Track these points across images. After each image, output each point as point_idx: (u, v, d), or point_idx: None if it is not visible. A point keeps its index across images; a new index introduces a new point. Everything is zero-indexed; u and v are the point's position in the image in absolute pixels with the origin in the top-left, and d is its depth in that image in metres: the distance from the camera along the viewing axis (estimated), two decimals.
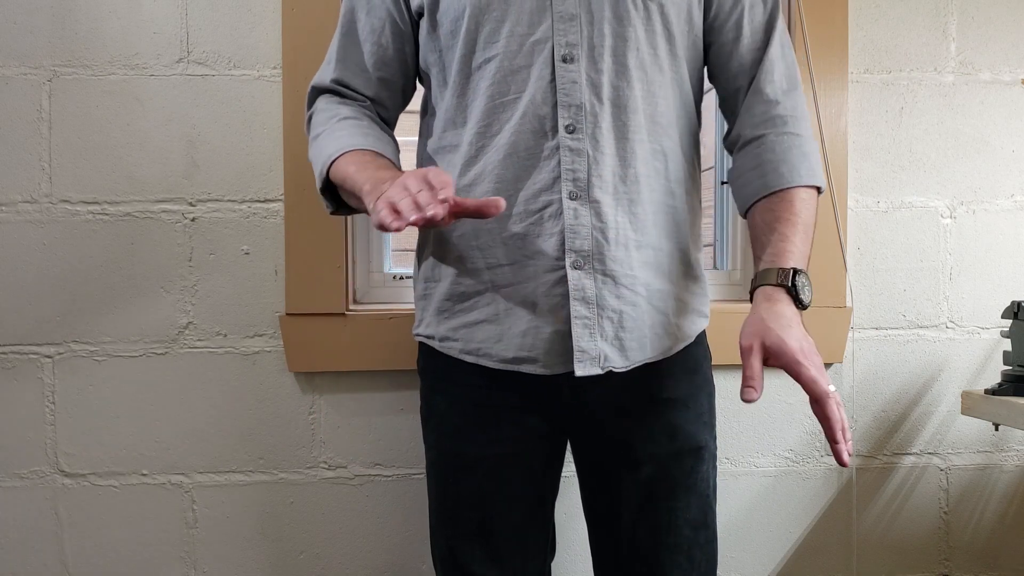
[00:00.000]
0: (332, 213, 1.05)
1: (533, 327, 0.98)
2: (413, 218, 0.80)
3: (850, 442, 0.87)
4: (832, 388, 0.87)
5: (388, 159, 1.00)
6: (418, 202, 0.81)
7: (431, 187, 0.82)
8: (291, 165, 1.35)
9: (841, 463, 0.86)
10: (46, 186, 1.35)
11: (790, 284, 0.93)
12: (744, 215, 1.05)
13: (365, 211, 0.95)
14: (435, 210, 0.80)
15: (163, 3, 1.35)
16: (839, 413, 0.86)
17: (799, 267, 0.94)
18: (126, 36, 1.35)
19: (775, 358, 0.88)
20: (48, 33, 1.34)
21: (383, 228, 0.80)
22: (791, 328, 0.89)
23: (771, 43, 1.05)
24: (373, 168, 0.95)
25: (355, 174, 0.95)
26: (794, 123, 1.03)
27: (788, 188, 1.00)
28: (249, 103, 1.37)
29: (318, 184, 1.02)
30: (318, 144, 1.03)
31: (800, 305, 0.93)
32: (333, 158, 0.99)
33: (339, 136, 1.01)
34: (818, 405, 0.87)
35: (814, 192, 1.02)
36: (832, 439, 0.86)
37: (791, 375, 0.88)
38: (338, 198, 1.03)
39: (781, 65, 1.05)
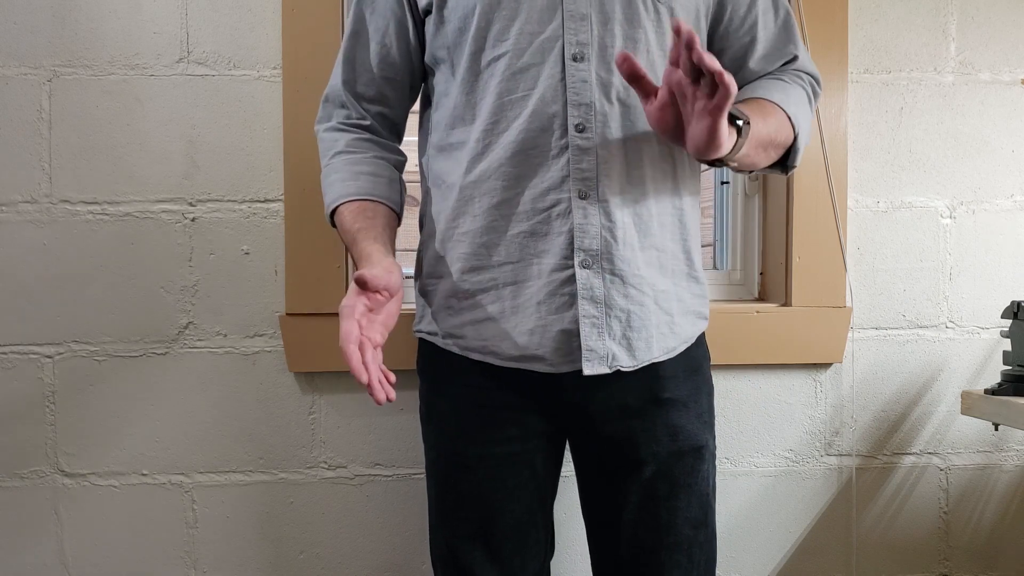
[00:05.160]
0: None
1: (540, 326, 0.98)
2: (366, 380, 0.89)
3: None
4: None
5: (377, 201, 1.04)
6: (356, 371, 0.89)
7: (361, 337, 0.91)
8: (291, 165, 1.35)
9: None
10: (46, 186, 1.35)
11: (740, 118, 0.87)
12: None
13: None
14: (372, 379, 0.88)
15: (163, 3, 1.35)
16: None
17: (750, 122, 0.89)
18: (126, 36, 1.35)
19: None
20: (48, 33, 1.34)
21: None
22: None
23: (799, 47, 1.08)
24: (358, 239, 1.00)
25: (348, 243, 1.02)
26: (794, 78, 1.05)
27: (769, 100, 0.99)
28: (249, 103, 1.37)
29: (327, 218, 1.08)
30: (323, 179, 1.08)
31: (738, 131, 0.87)
32: (331, 208, 1.05)
33: (333, 181, 1.06)
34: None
35: (788, 123, 0.99)
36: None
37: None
38: None
39: (808, 66, 1.09)
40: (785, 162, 1.03)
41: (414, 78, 1.10)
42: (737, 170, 0.97)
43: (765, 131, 0.94)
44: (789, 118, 0.99)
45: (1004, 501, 1.52)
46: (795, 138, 1.00)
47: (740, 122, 0.87)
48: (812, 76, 1.09)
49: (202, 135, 1.37)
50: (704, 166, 1.10)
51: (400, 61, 1.07)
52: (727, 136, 0.84)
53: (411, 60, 1.08)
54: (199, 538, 1.40)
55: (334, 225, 1.06)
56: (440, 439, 1.08)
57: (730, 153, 0.87)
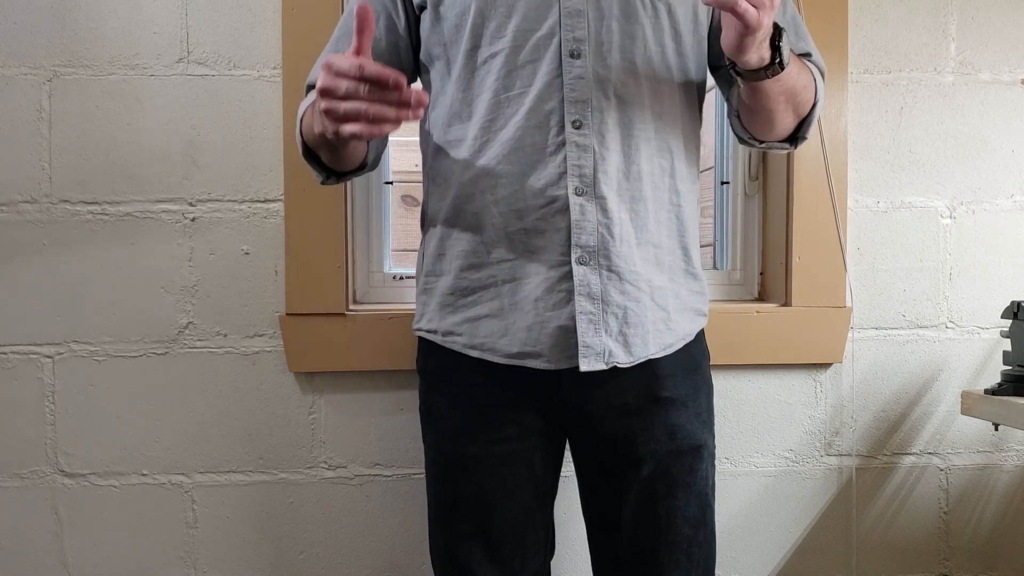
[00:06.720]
0: (323, 182, 1.05)
1: (538, 322, 0.98)
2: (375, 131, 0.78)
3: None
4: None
5: None
6: (370, 114, 0.78)
7: (375, 82, 0.77)
8: (291, 165, 1.35)
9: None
10: (46, 186, 1.35)
11: (777, 34, 0.88)
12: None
13: (341, 157, 0.99)
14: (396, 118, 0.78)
15: (163, 3, 1.35)
16: None
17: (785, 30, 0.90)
18: (126, 36, 1.35)
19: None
20: (48, 33, 1.34)
21: (348, 137, 0.79)
22: None
23: (810, 45, 1.08)
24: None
25: (312, 122, 0.92)
26: (810, 64, 1.06)
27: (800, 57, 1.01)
28: (249, 103, 1.37)
29: (299, 150, 1.02)
30: (296, 126, 1.03)
31: (778, 56, 0.89)
32: (301, 114, 0.99)
33: (309, 97, 1.01)
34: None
35: (813, 84, 1.00)
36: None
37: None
38: (323, 163, 1.02)
39: (820, 63, 1.09)
40: (796, 132, 1.04)
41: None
42: (758, 109, 0.97)
43: (794, 81, 0.95)
44: (815, 79, 1.01)
45: (1004, 501, 1.52)
46: (813, 106, 1.02)
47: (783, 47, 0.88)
48: (821, 72, 1.10)
49: (202, 135, 1.37)
50: (701, 169, 1.10)
51: (388, 54, 1.06)
52: (754, 46, 0.85)
53: (399, 55, 1.06)
54: (199, 538, 1.40)
55: (308, 156, 1.01)
56: (439, 439, 1.08)
57: (777, 61, 0.88)
